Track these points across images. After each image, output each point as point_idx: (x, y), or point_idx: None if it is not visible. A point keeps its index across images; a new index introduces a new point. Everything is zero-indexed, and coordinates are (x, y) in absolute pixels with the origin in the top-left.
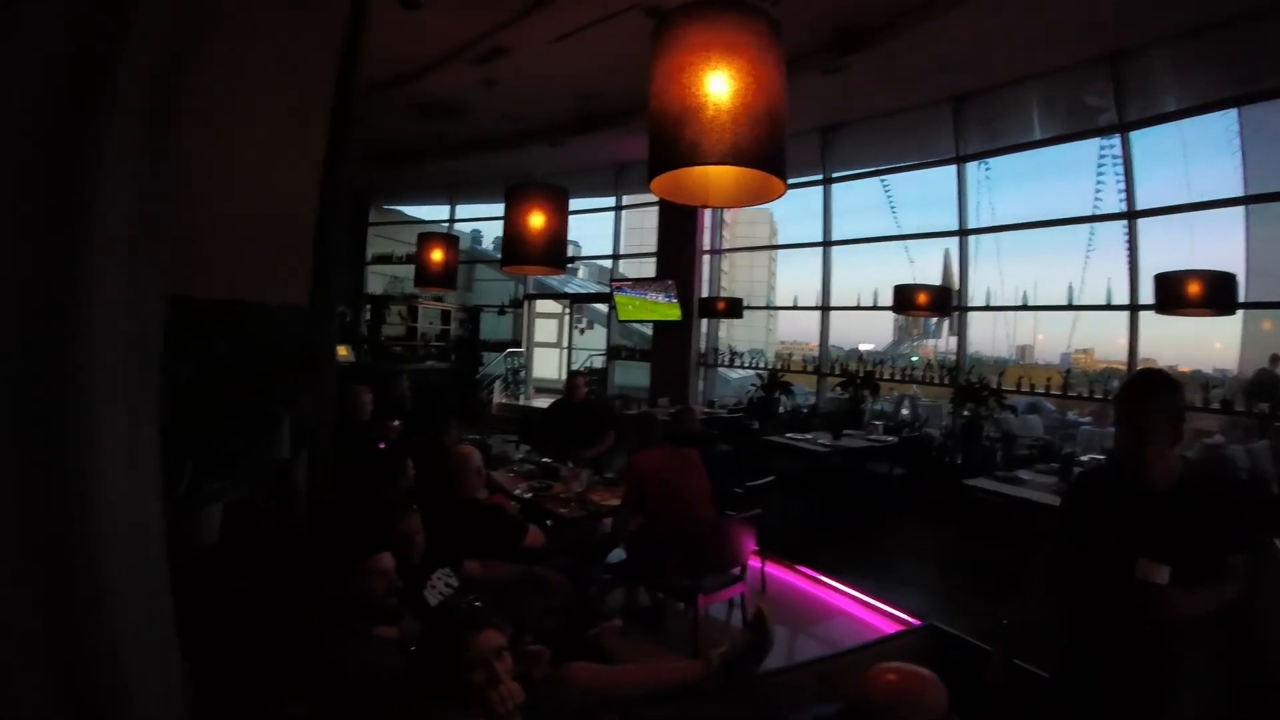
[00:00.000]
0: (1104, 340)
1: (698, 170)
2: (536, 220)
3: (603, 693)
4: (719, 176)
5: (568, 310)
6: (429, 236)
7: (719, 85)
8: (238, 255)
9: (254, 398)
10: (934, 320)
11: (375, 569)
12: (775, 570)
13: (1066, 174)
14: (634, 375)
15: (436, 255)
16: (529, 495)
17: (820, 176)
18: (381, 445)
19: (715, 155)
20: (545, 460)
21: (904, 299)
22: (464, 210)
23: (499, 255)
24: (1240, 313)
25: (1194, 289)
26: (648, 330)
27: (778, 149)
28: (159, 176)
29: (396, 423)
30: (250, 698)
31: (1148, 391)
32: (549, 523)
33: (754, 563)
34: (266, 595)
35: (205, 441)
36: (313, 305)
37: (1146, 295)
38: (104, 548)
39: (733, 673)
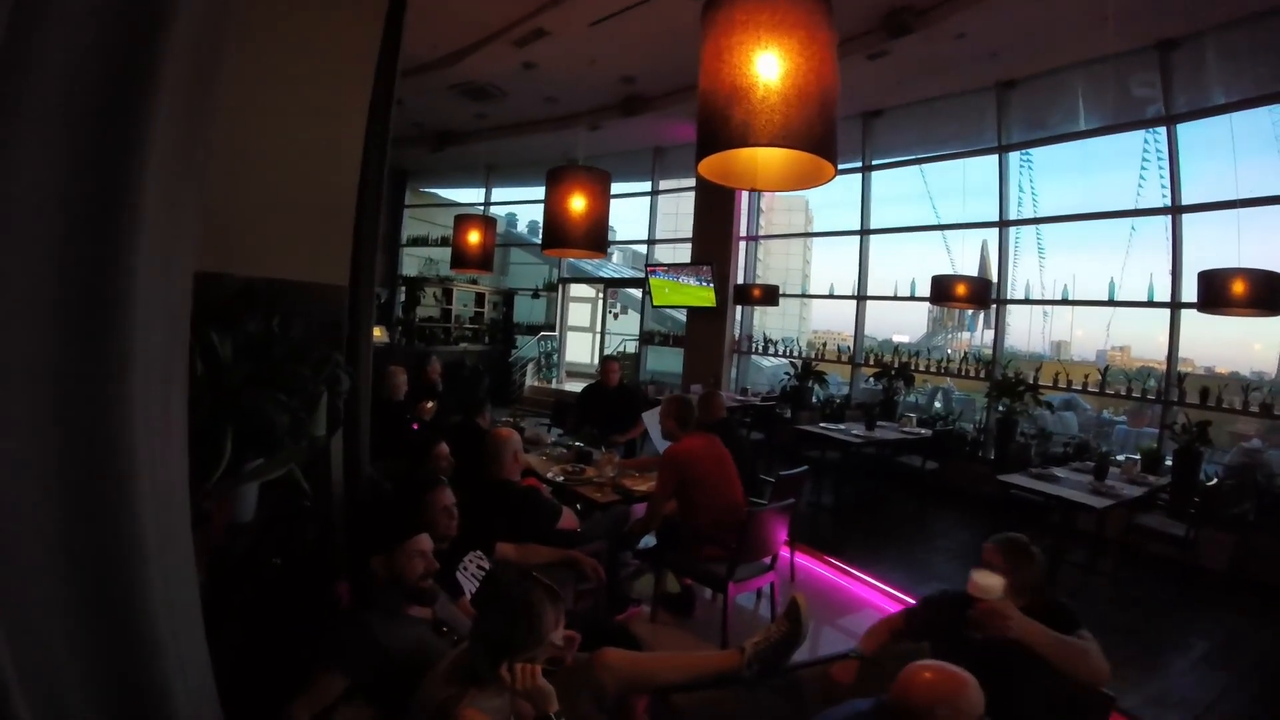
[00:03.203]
0: (1141, 338)
1: (746, 152)
2: (578, 203)
3: (637, 679)
4: (768, 159)
5: (601, 295)
6: (466, 218)
7: (770, 65)
8: (280, 236)
9: (295, 376)
10: (970, 312)
11: (415, 550)
12: (805, 560)
13: (1109, 167)
14: (667, 361)
15: (474, 237)
16: (561, 479)
17: (860, 164)
18: (415, 426)
19: (766, 137)
20: (578, 444)
21: (942, 290)
22: (499, 193)
23: (534, 238)
24: None
25: (1239, 288)
26: (681, 316)
27: (829, 131)
28: (197, 158)
29: (430, 404)
30: (286, 674)
31: (1009, 566)
32: (579, 506)
33: (784, 553)
34: (304, 572)
35: (246, 418)
36: (353, 285)
37: (1189, 293)
38: (139, 523)
39: (766, 663)
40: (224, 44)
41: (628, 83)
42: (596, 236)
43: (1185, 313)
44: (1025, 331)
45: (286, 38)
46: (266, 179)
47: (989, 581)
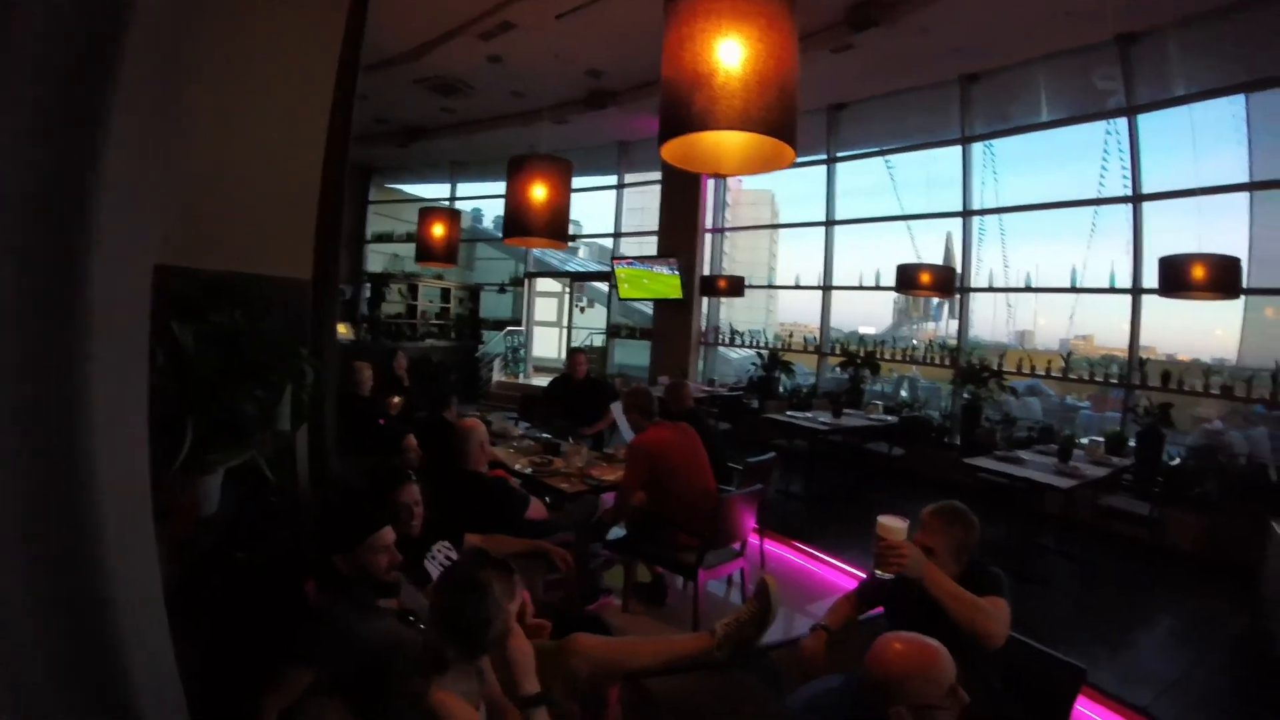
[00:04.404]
0: (1105, 327)
1: (709, 138)
2: (539, 192)
3: (609, 665)
4: (730, 144)
5: (568, 289)
6: (431, 211)
7: (731, 52)
8: (242, 231)
9: (256, 367)
10: (935, 303)
11: (378, 544)
12: (774, 547)
13: (1071, 157)
14: (634, 354)
15: (438, 230)
16: (529, 470)
17: (825, 156)
18: (382, 421)
19: (726, 121)
20: (545, 436)
21: (907, 278)
22: (465, 188)
23: (500, 233)
24: (1241, 301)
25: (1199, 272)
26: (648, 310)
27: (788, 116)
28: (158, 156)
29: (397, 399)
30: (254, 671)
31: (944, 524)
32: (548, 499)
33: (752, 540)
34: (271, 568)
35: (208, 406)
36: (316, 280)
37: (1150, 280)
38: (98, 516)
39: (738, 645)
40: (182, 44)
41: (594, 77)
42: (558, 225)
43: (1147, 302)
44: (989, 321)
45: (247, 31)
46: (228, 173)
47: (892, 523)
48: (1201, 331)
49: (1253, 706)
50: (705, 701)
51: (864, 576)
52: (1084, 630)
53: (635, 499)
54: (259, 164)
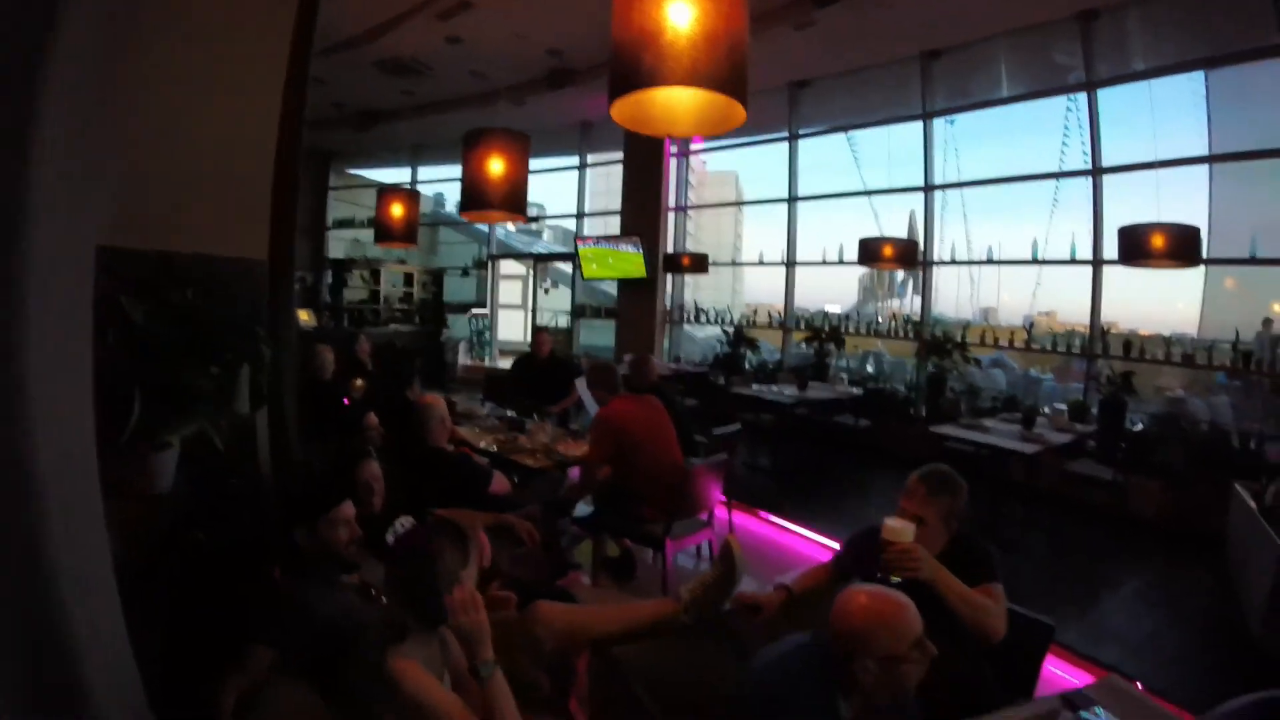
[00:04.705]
0: (1067, 303)
1: (661, 98)
2: (496, 166)
3: (574, 632)
4: (681, 104)
5: (532, 271)
6: (389, 191)
7: (679, 11)
8: (195, 212)
9: (210, 345)
10: (900, 280)
11: (338, 518)
12: (742, 519)
13: (1032, 132)
14: (599, 335)
15: (397, 210)
16: (494, 448)
17: (786, 133)
18: (346, 401)
19: (674, 77)
20: (510, 414)
21: (870, 252)
22: (426, 172)
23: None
24: (1202, 273)
25: (1157, 241)
26: (613, 290)
27: (738, 73)
28: (99, 130)
29: (360, 381)
30: (215, 649)
31: (932, 491)
32: (515, 479)
33: (720, 512)
34: (226, 545)
35: (155, 380)
36: (272, 260)
37: (1110, 253)
38: (40, 489)
39: (704, 608)
40: (122, 24)
41: (554, 56)
42: (516, 199)
43: (1109, 279)
44: (953, 298)
45: (195, 8)
46: (179, 154)
47: (899, 525)
48: (1163, 307)
49: (1219, 666)
50: (672, 667)
51: (835, 546)
52: (1051, 594)
53: (601, 473)
54: (212, 145)
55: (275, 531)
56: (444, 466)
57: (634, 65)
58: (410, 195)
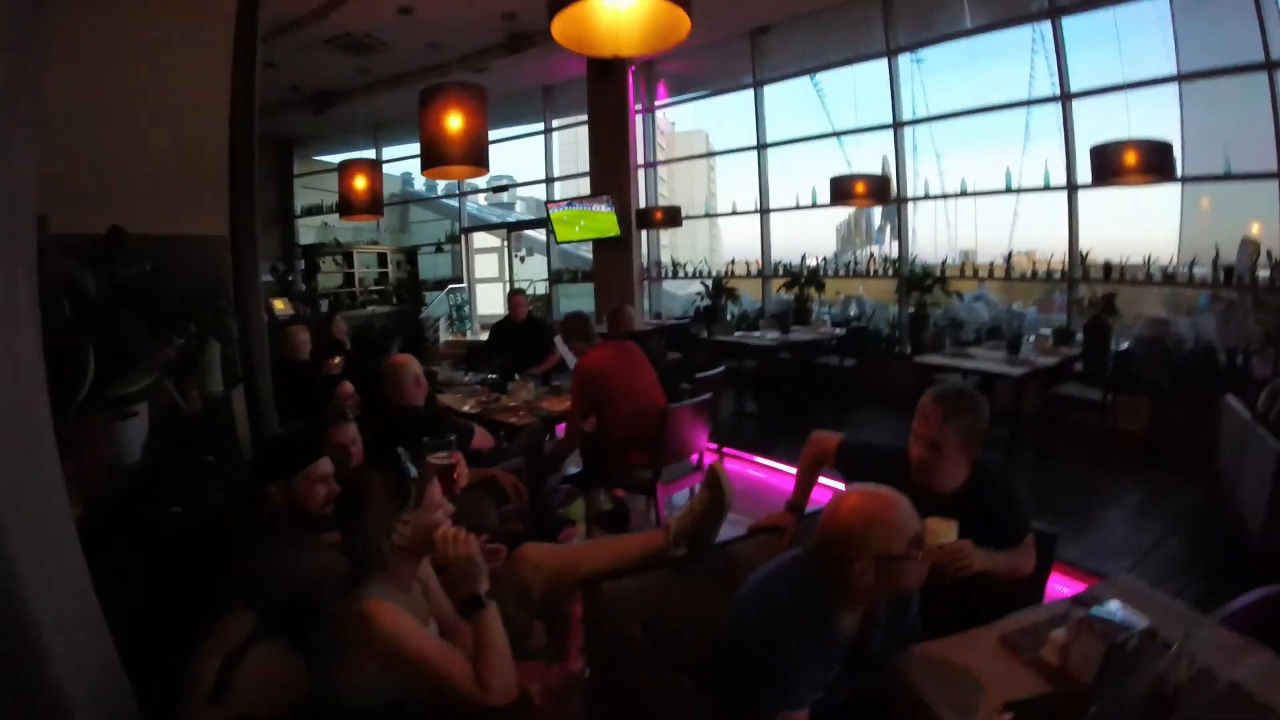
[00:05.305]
0: (1046, 241)
1: (605, 15)
2: (454, 121)
3: (562, 572)
4: (625, 19)
5: (506, 242)
6: (350, 164)
7: None
8: (152, 192)
9: (166, 314)
10: (876, 226)
11: (315, 475)
12: (733, 465)
13: (999, 62)
14: (578, 300)
15: (360, 183)
16: (477, 411)
17: (751, 80)
18: (329, 366)
19: None
20: (491, 377)
21: (842, 190)
22: (391, 151)
23: (430, 195)
24: (1178, 197)
25: (1130, 158)
26: (589, 254)
27: None
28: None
29: (338, 359)
30: (192, 615)
31: (949, 412)
32: (502, 435)
33: (710, 457)
34: (202, 519)
35: (110, 338)
36: (234, 234)
37: (1085, 178)
38: None
39: (693, 538)
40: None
41: (510, 20)
42: (476, 152)
43: (1086, 207)
44: (931, 242)
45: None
46: (133, 136)
47: (941, 527)
48: (1141, 235)
49: (1221, 570)
50: (665, 599)
51: (826, 484)
52: (1049, 512)
53: (586, 424)
54: (161, 125)
55: (253, 502)
56: (421, 424)
57: None
58: (372, 165)
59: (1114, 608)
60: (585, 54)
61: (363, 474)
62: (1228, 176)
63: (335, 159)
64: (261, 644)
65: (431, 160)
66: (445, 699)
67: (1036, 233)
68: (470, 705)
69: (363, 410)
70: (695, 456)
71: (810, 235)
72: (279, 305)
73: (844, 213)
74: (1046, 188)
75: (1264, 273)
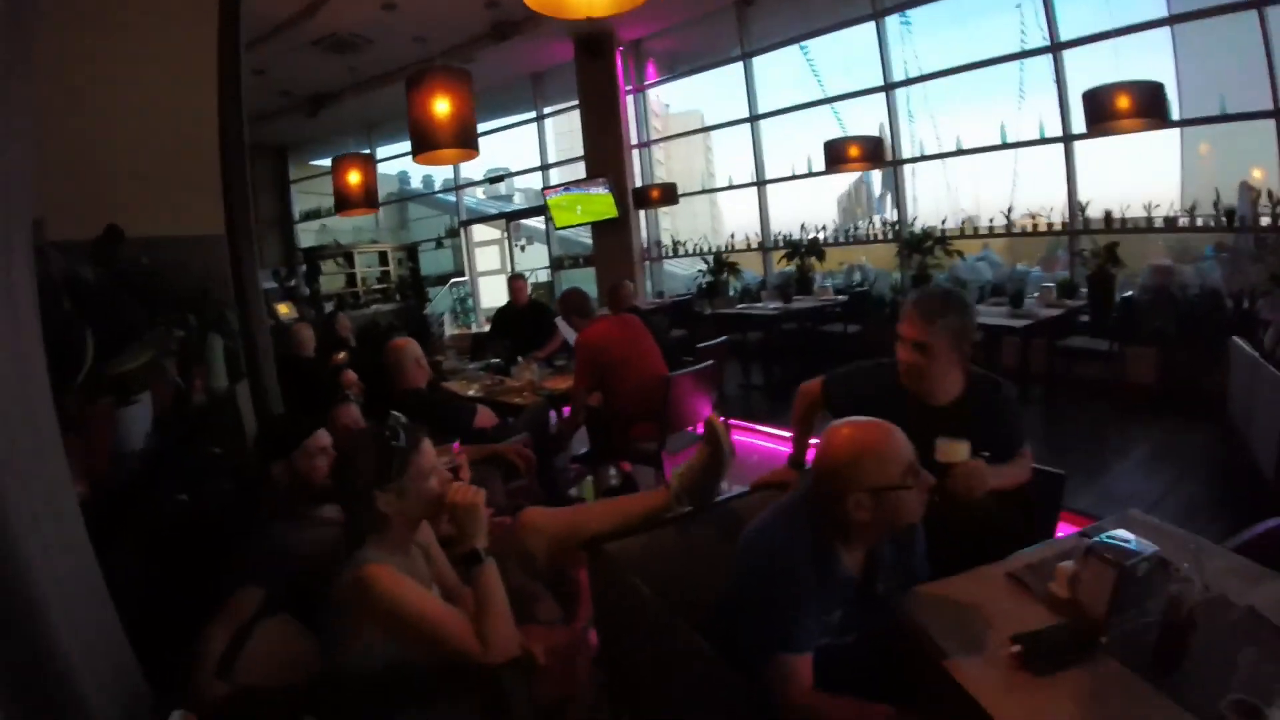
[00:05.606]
0: (1048, 200)
1: None
2: (442, 106)
3: (565, 535)
4: None
5: (506, 233)
6: (343, 159)
7: None
8: (148, 196)
9: (163, 304)
10: (878, 193)
11: (314, 448)
12: (740, 435)
13: (989, 17)
14: (581, 284)
15: (354, 177)
16: (482, 395)
17: (739, 52)
18: (335, 360)
19: None
20: (494, 361)
21: (836, 154)
22: (386, 150)
23: (428, 191)
24: (1178, 145)
25: (1123, 102)
26: (589, 239)
27: None
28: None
29: (343, 354)
30: (200, 597)
31: (934, 312)
32: (509, 418)
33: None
34: (210, 507)
35: (106, 321)
36: (230, 233)
37: (1080, 129)
38: None
39: (695, 494)
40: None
41: (493, 7)
42: (465, 134)
43: (1085, 160)
44: (932, 208)
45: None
46: (123, 141)
47: (954, 447)
48: (1143, 184)
49: (1236, 511)
50: (669, 555)
51: None
52: (1057, 463)
53: (591, 399)
54: (153, 131)
55: (257, 485)
56: (422, 405)
57: None
58: (365, 159)
59: (1122, 535)
60: (559, 16)
61: (350, 440)
62: (1223, 118)
63: (330, 163)
64: (269, 620)
65: (422, 145)
66: (447, 658)
67: (1038, 191)
68: (473, 664)
69: (367, 397)
70: (701, 427)
71: (812, 208)
72: (283, 310)
73: (844, 184)
74: (1042, 140)
75: (1265, 219)
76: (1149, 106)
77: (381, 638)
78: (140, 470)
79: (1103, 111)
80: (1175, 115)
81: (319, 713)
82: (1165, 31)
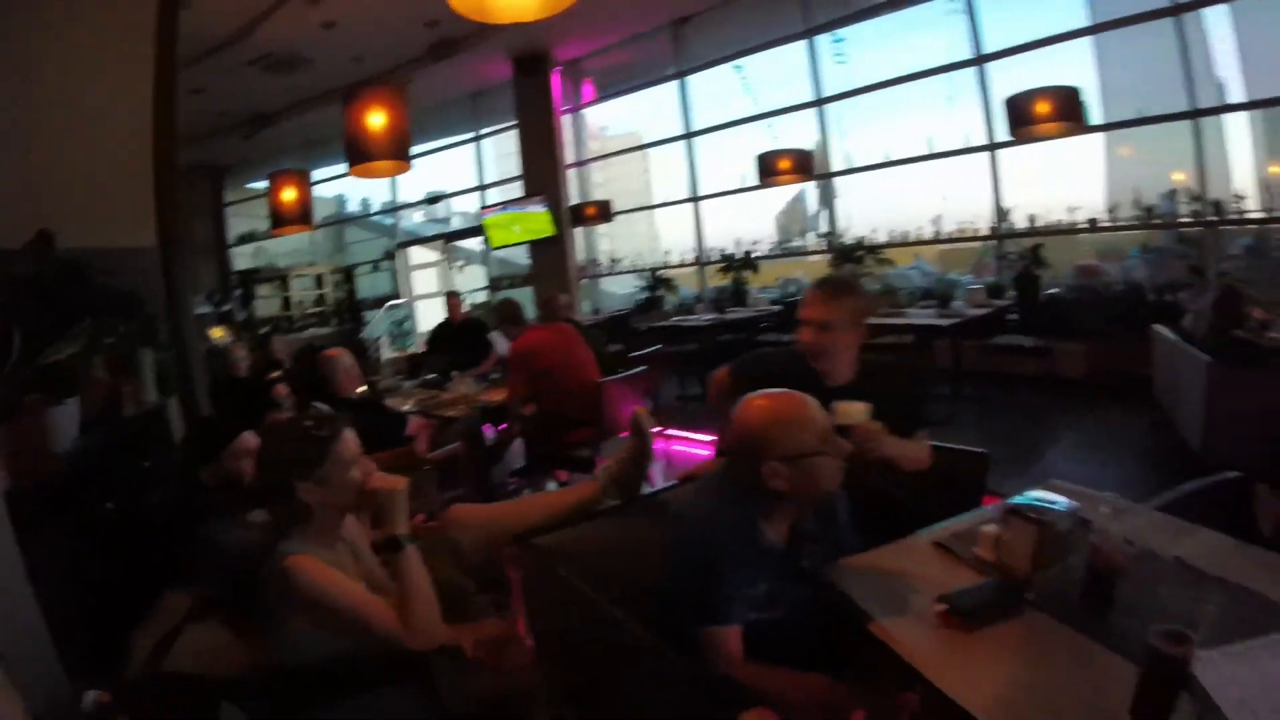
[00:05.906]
0: (979, 212)
1: None
2: (376, 117)
3: (494, 530)
4: None
5: (444, 256)
6: (278, 174)
7: None
8: (79, 208)
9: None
10: (813, 210)
11: (240, 450)
12: (678, 446)
13: (919, 33)
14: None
15: (289, 194)
16: (417, 409)
17: (674, 70)
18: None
19: None
20: (430, 376)
21: (767, 167)
22: (323, 172)
23: (365, 213)
24: (1102, 150)
25: (1042, 107)
26: (526, 260)
27: None
28: None
29: (277, 373)
30: (129, 600)
31: (833, 292)
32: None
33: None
34: (137, 517)
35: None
36: (162, 245)
37: (1004, 138)
38: None
39: (623, 485)
40: None
41: (432, 27)
42: (399, 146)
43: (1012, 164)
44: (866, 221)
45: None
46: (54, 153)
47: (853, 408)
48: (1071, 191)
49: (1161, 489)
50: (600, 547)
51: None
52: (994, 454)
53: (526, 409)
54: (85, 138)
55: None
56: (354, 413)
57: None
58: (301, 175)
59: (1044, 495)
60: (485, 20)
61: (271, 431)
62: (1142, 120)
63: (266, 185)
64: (199, 623)
65: (356, 156)
66: (372, 645)
67: (968, 201)
68: (399, 652)
69: (298, 408)
70: None
71: (748, 225)
72: (217, 334)
73: (781, 201)
74: (968, 150)
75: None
76: (1067, 110)
77: (307, 627)
78: (68, 471)
79: (1024, 116)
80: (1096, 119)
81: (243, 703)
82: (1088, 41)
